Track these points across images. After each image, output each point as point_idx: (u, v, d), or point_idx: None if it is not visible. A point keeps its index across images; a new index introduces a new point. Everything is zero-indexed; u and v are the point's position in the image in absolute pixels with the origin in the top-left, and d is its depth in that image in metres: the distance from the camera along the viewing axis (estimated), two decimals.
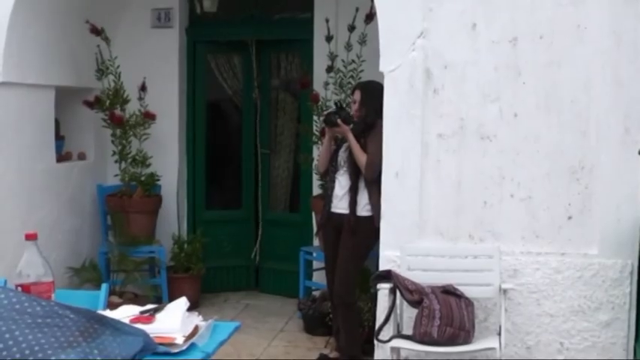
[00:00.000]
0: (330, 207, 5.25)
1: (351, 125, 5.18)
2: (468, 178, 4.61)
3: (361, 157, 5.05)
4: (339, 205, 5.20)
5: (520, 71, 4.53)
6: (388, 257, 4.67)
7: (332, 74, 6.31)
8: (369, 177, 5.02)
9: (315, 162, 6.30)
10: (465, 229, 4.64)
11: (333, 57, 6.35)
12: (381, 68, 4.66)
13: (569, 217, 4.55)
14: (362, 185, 5.11)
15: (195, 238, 6.89)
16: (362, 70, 6.13)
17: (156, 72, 6.75)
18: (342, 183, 5.20)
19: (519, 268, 4.55)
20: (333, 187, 5.25)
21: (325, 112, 5.47)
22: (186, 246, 6.83)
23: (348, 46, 6.23)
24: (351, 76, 6.22)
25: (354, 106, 5.27)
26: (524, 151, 4.55)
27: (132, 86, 6.43)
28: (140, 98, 6.48)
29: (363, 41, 6.14)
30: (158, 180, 6.61)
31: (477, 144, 4.59)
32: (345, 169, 5.20)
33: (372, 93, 5.01)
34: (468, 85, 4.59)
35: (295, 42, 7.14)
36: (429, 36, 4.60)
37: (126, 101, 6.37)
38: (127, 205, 6.35)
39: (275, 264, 7.26)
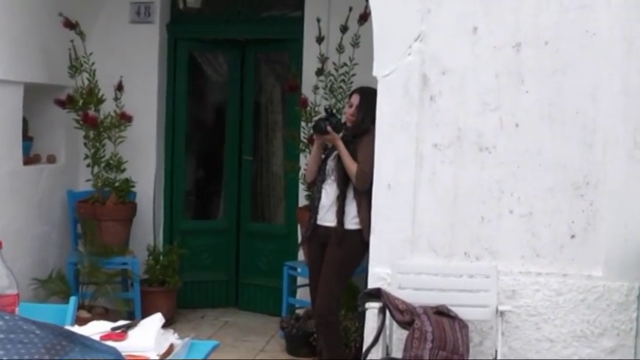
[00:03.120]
0: (315, 219, 5.27)
1: (342, 133, 5.20)
2: (465, 191, 4.62)
3: (351, 166, 5.07)
4: (326, 217, 5.21)
5: (523, 79, 4.55)
6: (378, 274, 4.66)
7: (322, 78, 6.33)
8: (360, 187, 5.03)
9: (302, 171, 6.31)
10: (460, 246, 4.64)
11: (323, 59, 6.36)
12: (375, 73, 4.67)
13: (573, 236, 4.56)
14: (350, 196, 5.14)
15: (171, 250, 6.88)
16: (354, 74, 6.15)
17: (134, 70, 6.75)
18: (329, 193, 5.22)
19: (518, 289, 4.56)
20: (319, 198, 5.28)
21: (315, 119, 5.50)
22: (162, 258, 6.81)
23: (340, 48, 6.24)
24: (343, 80, 6.24)
25: (350, 110, 5.30)
26: (525, 164, 4.57)
27: (107, 85, 6.42)
28: (116, 98, 6.48)
29: (356, 43, 6.17)
30: (133, 186, 6.60)
31: (475, 155, 4.60)
32: (333, 178, 5.22)
33: (371, 99, 5.03)
34: (466, 92, 4.60)
35: (284, 42, 7.16)
36: (426, 39, 4.61)
37: (100, 101, 6.36)
38: (99, 213, 6.33)
39: (257, 279, 7.25)
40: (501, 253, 4.60)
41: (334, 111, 5.50)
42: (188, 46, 7.32)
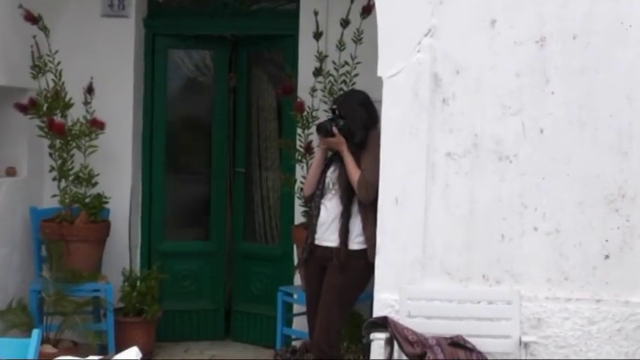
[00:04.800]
0: (313, 239, 5.27)
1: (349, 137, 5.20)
2: (483, 206, 4.63)
3: (354, 174, 5.09)
4: (326, 236, 5.21)
5: (548, 78, 4.56)
6: (384, 301, 4.66)
7: (320, 78, 6.32)
8: (362, 198, 5.05)
9: (298, 184, 6.30)
10: (478, 268, 4.64)
11: (322, 57, 6.36)
12: (380, 72, 4.68)
13: (606, 256, 4.56)
14: (355, 211, 5.14)
15: (150, 274, 6.86)
16: (356, 75, 6.15)
17: (106, 71, 6.73)
18: (329, 209, 5.22)
19: (544, 317, 4.56)
20: (317, 215, 5.27)
21: (317, 122, 5.49)
22: (139, 283, 6.79)
23: (341, 45, 6.24)
24: (344, 82, 6.23)
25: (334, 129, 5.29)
26: (551, 175, 4.57)
27: (76, 87, 6.40)
28: (86, 102, 6.46)
29: (358, 39, 6.17)
30: (106, 202, 6.57)
31: (494, 165, 4.61)
32: (333, 192, 5.23)
33: (352, 107, 5.06)
34: (484, 94, 4.61)
35: (277, 38, 7.17)
36: (438, 34, 4.62)
37: (68, 106, 6.35)
38: (66, 233, 6.31)
39: (247, 307, 7.25)
40: (525, 276, 4.60)
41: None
42: (168, 43, 7.31)
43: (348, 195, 5.14)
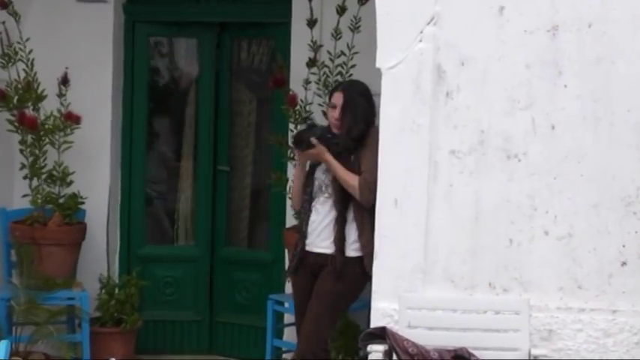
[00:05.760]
0: (304, 245, 5.27)
1: (336, 144, 5.18)
2: (489, 208, 4.62)
3: (351, 181, 5.07)
4: (318, 241, 5.22)
5: (560, 70, 4.55)
6: (383, 310, 4.65)
7: (314, 70, 6.32)
8: (365, 202, 5.04)
9: (290, 183, 6.30)
10: (483, 275, 4.63)
11: (316, 47, 6.37)
12: (379, 64, 4.67)
13: (624, 263, 4.55)
14: (351, 216, 5.13)
15: (129, 281, 6.87)
16: (353, 66, 6.16)
17: (82, 60, 6.75)
18: (321, 213, 5.22)
19: (556, 328, 4.55)
20: (308, 219, 5.27)
21: (294, 133, 5.46)
22: (117, 291, 6.81)
23: (337, 34, 6.25)
24: (339, 73, 6.25)
25: (334, 113, 5.29)
26: (563, 175, 4.56)
27: (49, 78, 6.42)
28: (60, 94, 6.47)
29: (355, 27, 6.18)
30: (82, 203, 6.59)
31: (502, 164, 4.60)
32: (326, 195, 5.23)
33: (359, 96, 5.03)
34: (491, 87, 4.60)
35: (267, 26, 7.18)
36: (441, 22, 4.61)
37: (41, 98, 6.36)
38: (39, 236, 6.31)
39: (235, 317, 7.25)
40: (534, 284, 4.59)
41: (315, 122, 5.46)
42: (149, 30, 7.32)
43: (342, 199, 5.13)
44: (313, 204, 5.26)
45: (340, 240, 5.10)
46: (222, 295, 7.36)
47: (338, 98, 5.26)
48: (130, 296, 6.77)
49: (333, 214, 5.17)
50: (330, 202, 5.19)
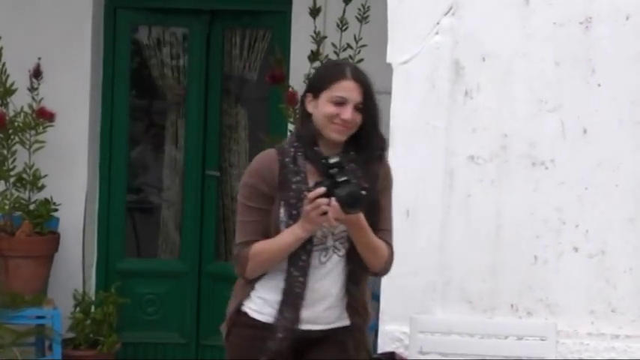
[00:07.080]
0: (296, 317, 3.81)
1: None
2: (512, 221, 4.62)
3: (381, 250, 3.82)
4: (322, 313, 3.87)
5: (594, 68, 4.55)
6: (391, 334, 4.65)
7: (317, 64, 6.31)
8: (384, 274, 3.99)
9: None
10: (505, 296, 4.63)
11: (319, 39, 6.37)
12: (389, 58, 4.68)
13: None
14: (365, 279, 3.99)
15: (107, 298, 6.86)
16: (360, 60, 6.12)
17: (57, 50, 6.76)
18: (326, 277, 3.85)
19: (586, 356, 4.54)
20: (305, 286, 3.80)
21: (346, 192, 3.58)
22: (93, 309, 6.81)
23: (342, 25, 6.25)
24: None
25: (343, 113, 3.70)
26: (596, 185, 4.57)
27: (20, 70, 6.43)
28: (32, 88, 6.48)
29: (363, 17, 6.19)
30: (55, 210, 6.58)
31: (526, 172, 4.61)
32: (338, 252, 3.83)
33: (374, 103, 3.79)
34: (515, 86, 4.61)
35: (265, 14, 7.21)
36: (460, 12, 4.62)
37: (10, 92, 6.37)
38: (5, 247, 6.32)
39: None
40: (562, 306, 4.59)
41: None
42: (132, 18, 7.33)
43: (357, 253, 3.82)
44: (311, 262, 3.80)
45: (360, 307, 3.91)
46: (210, 315, 7.34)
47: (352, 90, 3.71)
48: (108, 315, 6.76)
49: (345, 274, 3.85)
50: (342, 262, 3.84)
